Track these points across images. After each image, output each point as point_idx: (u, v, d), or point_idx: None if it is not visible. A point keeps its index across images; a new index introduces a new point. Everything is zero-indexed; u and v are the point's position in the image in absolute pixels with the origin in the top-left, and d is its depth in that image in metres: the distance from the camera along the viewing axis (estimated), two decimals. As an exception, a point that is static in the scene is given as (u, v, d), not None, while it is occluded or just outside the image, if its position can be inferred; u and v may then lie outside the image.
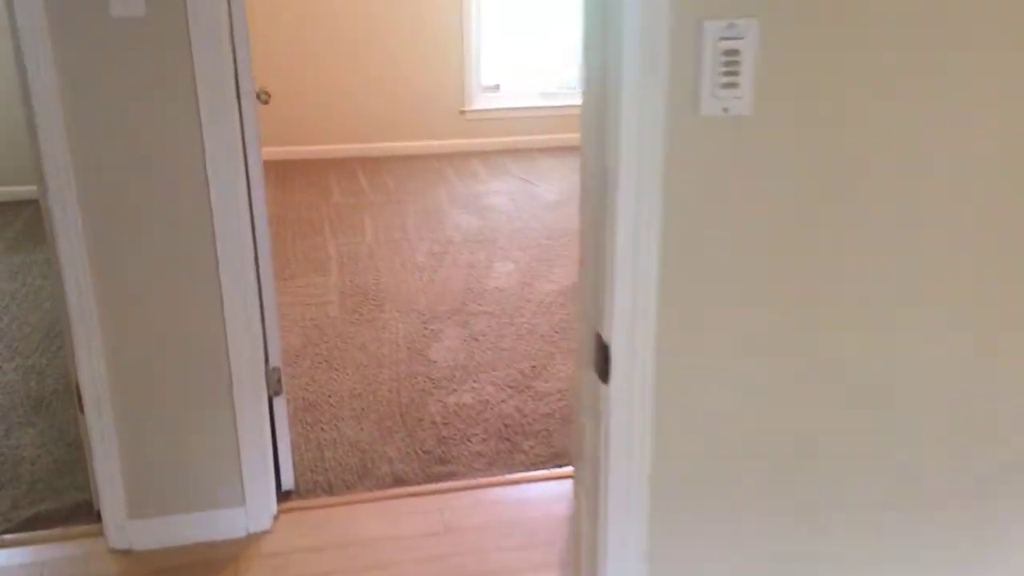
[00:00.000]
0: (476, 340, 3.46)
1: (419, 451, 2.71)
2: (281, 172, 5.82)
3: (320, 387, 3.09)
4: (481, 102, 6.49)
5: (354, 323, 3.59)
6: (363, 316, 3.65)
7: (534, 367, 3.25)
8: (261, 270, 2.34)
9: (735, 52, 1.08)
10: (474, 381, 3.15)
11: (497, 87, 6.56)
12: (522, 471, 2.62)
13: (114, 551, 2.24)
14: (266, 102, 2.74)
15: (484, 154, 6.38)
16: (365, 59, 6.17)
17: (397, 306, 3.76)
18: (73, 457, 2.59)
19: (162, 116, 2.00)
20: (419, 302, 3.79)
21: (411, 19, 6.17)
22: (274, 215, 4.94)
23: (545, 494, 2.50)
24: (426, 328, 3.55)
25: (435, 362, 3.28)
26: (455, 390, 3.08)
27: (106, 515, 2.23)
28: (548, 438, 2.79)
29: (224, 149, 2.05)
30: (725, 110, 1.10)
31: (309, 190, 5.46)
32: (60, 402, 2.95)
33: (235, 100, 2.12)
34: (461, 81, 6.38)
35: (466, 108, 6.43)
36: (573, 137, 6.60)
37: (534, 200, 5.27)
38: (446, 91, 6.37)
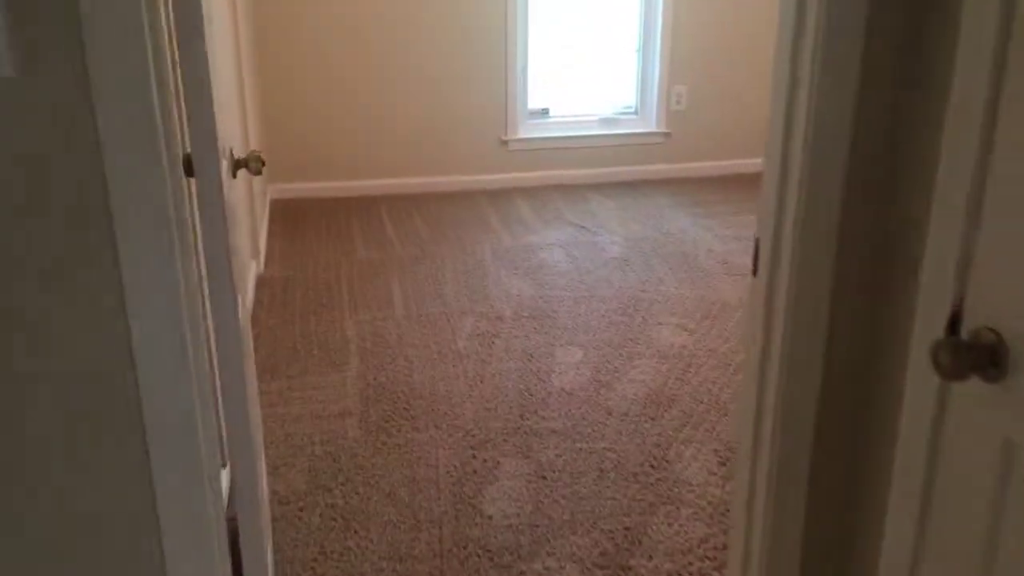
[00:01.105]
0: (544, 479, 2.56)
1: None
2: (293, 215, 4.95)
3: (333, 564, 2.19)
4: (526, 130, 5.59)
5: (380, 450, 2.69)
6: (391, 438, 2.75)
7: (628, 530, 2.34)
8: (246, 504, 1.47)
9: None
10: (548, 554, 2.24)
11: (545, 112, 5.65)
12: None
13: None
14: (258, 172, 1.89)
15: (528, 191, 5.49)
16: (390, 79, 5.28)
17: (436, 419, 2.86)
18: None
19: (45, 218, 1.14)
20: (464, 414, 2.89)
21: (445, 32, 5.27)
22: (282, 279, 4.06)
23: None
24: (475, 458, 2.65)
25: (491, 518, 2.38)
26: (523, 572, 2.18)
27: None
28: (666, 672, 1.89)
29: (155, 277, 1.17)
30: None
31: (326, 241, 4.58)
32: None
33: (180, 180, 1.27)
34: (503, 104, 5.48)
35: (508, 137, 5.53)
36: (630, 171, 5.69)
37: (596, 255, 4.35)
38: (485, 116, 5.47)
